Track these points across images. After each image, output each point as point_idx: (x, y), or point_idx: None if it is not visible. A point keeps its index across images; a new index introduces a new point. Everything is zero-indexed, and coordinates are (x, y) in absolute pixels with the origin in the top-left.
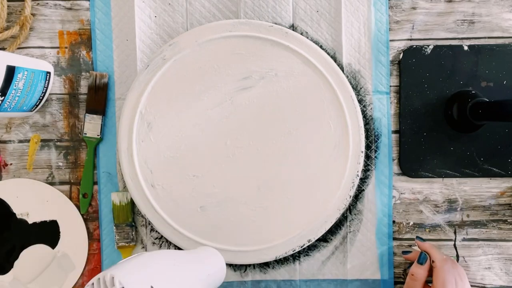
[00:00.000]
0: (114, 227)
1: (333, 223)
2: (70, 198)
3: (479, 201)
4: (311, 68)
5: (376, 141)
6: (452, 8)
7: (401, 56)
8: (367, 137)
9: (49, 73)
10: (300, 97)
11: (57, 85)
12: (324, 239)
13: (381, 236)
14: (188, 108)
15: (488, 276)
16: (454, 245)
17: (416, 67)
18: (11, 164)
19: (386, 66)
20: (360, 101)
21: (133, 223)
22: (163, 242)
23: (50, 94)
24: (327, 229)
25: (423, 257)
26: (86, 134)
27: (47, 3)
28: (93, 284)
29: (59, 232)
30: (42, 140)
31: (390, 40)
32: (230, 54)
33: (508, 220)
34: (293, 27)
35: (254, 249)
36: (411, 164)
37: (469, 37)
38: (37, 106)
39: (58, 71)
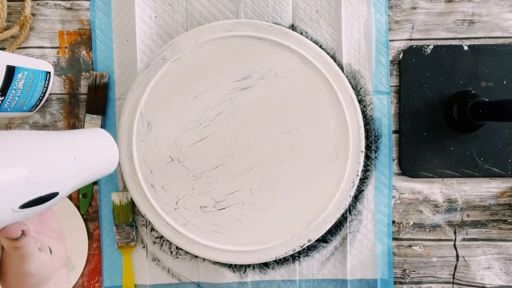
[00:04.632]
0: (114, 227)
1: (333, 223)
2: (70, 198)
3: (479, 201)
4: (311, 68)
5: (376, 142)
6: (452, 8)
7: (401, 56)
8: (367, 137)
9: (49, 73)
10: (300, 97)
11: (57, 85)
12: (324, 239)
13: (381, 236)
14: (188, 108)
15: (488, 276)
16: (454, 245)
17: (416, 67)
18: None
19: (386, 66)
20: (360, 101)
21: (133, 223)
22: (164, 241)
23: (50, 94)
24: (327, 229)
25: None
26: None
27: (47, 3)
28: None
29: None
30: None
31: (390, 40)
32: (230, 54)
33: (508, 220)
34: (293, 27)
35: (254, 249)
36: (411, 164)
37: (469, 37)
38: (37, 106)
39: (58, 71)
